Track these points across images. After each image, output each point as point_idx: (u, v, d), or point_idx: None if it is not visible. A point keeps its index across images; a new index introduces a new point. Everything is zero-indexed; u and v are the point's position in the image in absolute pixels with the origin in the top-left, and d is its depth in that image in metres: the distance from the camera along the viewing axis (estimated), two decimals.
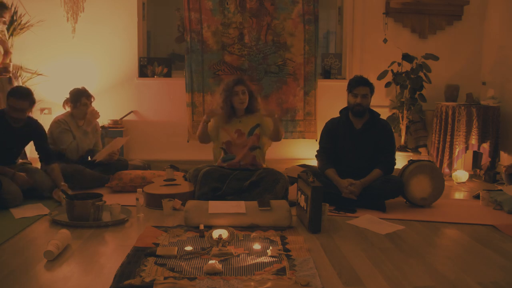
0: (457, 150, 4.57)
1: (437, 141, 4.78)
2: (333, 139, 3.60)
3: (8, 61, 4.12)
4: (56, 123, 3.98)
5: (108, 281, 2.06)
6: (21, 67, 4.59)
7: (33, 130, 3.61)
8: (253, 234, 2.71)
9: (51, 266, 2.26)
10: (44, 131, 3.71)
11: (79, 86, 4.08)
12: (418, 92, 4.79)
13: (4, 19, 4.05)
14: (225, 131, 3.63)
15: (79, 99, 4.00)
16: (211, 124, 3.67)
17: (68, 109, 4.13)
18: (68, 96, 4.09)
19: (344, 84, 3.65)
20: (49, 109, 4.77)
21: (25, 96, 3.42)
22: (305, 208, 2.93)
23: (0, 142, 3.48)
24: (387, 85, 4.86)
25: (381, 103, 4.97)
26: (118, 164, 4.11)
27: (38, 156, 3.68)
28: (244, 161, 3.58)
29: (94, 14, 4.84)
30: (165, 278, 2.07)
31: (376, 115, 3.59)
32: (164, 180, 3.70)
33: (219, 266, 2.19)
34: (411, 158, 3.94)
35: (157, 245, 2.53)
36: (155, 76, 4.98)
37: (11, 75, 4.13)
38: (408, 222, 3.11)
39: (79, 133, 4.06)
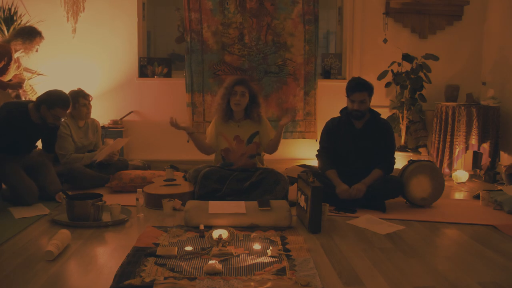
0: (457, 150, 4.57)
1: (437, 141, 4.78)
2: (333, 139, 3.60)
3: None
4: None
5: (108, 281, 2.06)
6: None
7: (51, 128, 3.69)
8: (253, 234, 2.71)
9: (51, 266, 2.26)
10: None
11: (75, 88, 4.12)
12: (418, 92, 4.79)
13: (38, 46, 4.19)
14: (223, 138, 3.61)
15: (77, 100, 4.02)
16: (210, 132, 3.66)
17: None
18: None
19: (344, 84, 3.64)
20: None
21: (70, 104, 3.57)
22: (305, 208, 2.93)
23: (24, 138, 3.56)
24: (387, 85, 4.86)
25: (381, 103, 4.98)
26: (118, 164, 4.12)
27: (42, 145, 3.81)
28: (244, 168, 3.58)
29: (94, 14, 4.84)
30: (165, 278, 2.07)
31: (377, 114, 3.59)
32: (164, 180, 3.70)
33: (219, 266, 2.19)
34: (411, 158, 3.94)
35: (157, 245, 2.53)
36: (155, 76, 4.98)
37: (21, 91, 4.23)
38: (408, 222, 3.11)
39: (79, 134, 4.08)
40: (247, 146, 3.58)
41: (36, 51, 4.22)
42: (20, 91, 4.21)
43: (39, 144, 3.82)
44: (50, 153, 3.81)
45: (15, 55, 4.12)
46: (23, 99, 4.21)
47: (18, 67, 4.29)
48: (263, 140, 3.64)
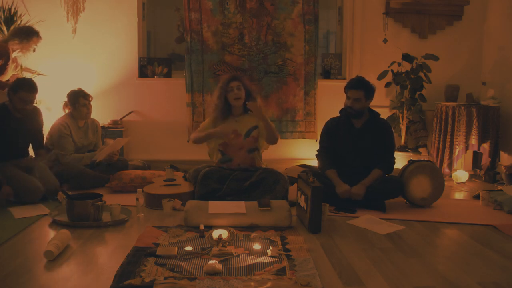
0: (457, 150, 4.57)
1: (437, 141, 4.78)
2: (333, 139, 3.60)
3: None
4: (57, 126, 3.97)
5: (108, 281, 2.06)
6: (21, 67, 4.60)
7: (35, 117, 3.75)
8: (253, 234, 2.71)
9: (51, 266, 2.26)
10: (42, 119, 3.83)
11: (75, 88, 4.12)
12: (418, 92, 4.79)
13: (35, 46, 4.19)
14: None
15: (77, 100, 4.03)
16: (207, 126, 3.62)
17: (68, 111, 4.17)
18: (66, 99, 4.13)
19: (344, 84, 3.65)
20: (48, 108, 4.77)
21: (35, 88, 3.59)
22: (305, 208, 2.93)
23: (10, 135, 3.55)
24: (387, 85, 4.86)
25: (381, 103, 4.97)
26: (118, 164, 4.11)
27: (32, 144, 3.83)
28: (243, 164, 3.57)
29: (94, 14, 4.84)
30: (165, 278, 2.07)
31: (376, 114, 3.59)
32: (164, 180, 3.70)
33: (219, 266, 2.19)
34: (411, 158, 3.94)
35: (157, 245, 2.53)
36: (155, 76, 4.98)
37: None
38: (408, 222, 3.11)
39: (79, 134, 4.08)
40: (245, 139, 3.58)
41: (34, 51, 4.22)
42: None
43: (30, 152, 3.84)
44: (41, 150, 3.81)
45: (13, 55, 4.12)
46: None
47: (16, 67, 4.29)
48: (262, 131, 3.60)
